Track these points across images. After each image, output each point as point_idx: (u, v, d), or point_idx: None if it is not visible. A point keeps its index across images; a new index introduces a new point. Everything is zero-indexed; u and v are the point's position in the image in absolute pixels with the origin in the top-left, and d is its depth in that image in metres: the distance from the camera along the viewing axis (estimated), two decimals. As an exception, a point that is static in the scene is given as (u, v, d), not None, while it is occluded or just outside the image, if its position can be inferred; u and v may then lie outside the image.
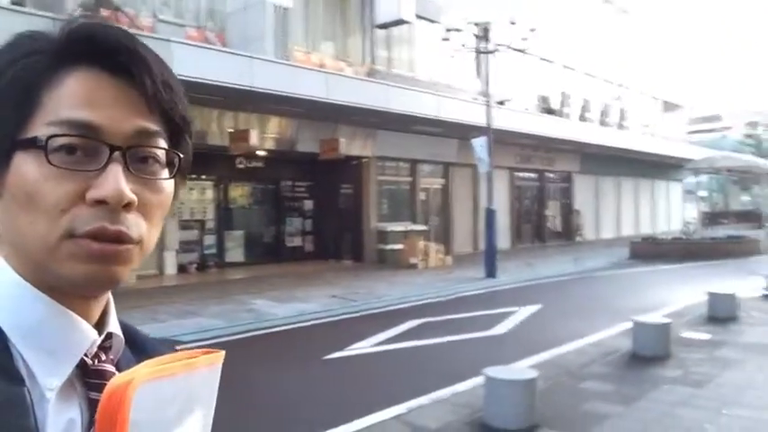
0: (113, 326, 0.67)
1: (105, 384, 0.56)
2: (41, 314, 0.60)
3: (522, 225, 24.01)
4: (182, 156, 0.66)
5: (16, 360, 0.58)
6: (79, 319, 0.62)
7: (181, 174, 0.67)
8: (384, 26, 17.53)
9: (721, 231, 22.68)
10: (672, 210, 35.35)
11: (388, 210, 18.60)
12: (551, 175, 25.64)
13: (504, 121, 17.39)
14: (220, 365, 0.63)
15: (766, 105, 41.78)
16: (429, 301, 11.42)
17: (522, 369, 5.50)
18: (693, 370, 6.36)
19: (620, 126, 28.59)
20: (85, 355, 0.62)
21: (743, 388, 5.78)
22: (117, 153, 0.59)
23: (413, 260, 16.57)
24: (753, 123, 45.45)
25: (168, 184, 0.65)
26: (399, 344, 7.88)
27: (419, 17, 18.05)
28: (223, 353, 0.63)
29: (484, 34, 15.09)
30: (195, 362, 0.60)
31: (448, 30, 15.25)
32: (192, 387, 0.60)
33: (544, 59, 23.52)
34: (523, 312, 9.98)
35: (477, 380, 5.52)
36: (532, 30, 18.65)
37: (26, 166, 0.59)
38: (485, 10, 16.55)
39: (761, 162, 27.99)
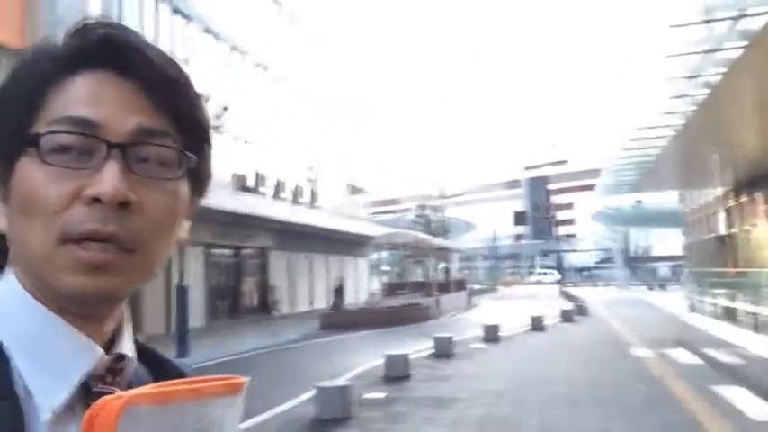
0: (126, 347, 0.63)
1: None
2: (42, 329, 0.58)
3: (217, 301, 23.64)
4: (192, 156, 0.62)
5: (15, 378, 0.55)
6: (82, 335, 0.59)
7: (197, 181, 0.65)
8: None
9: (400, 300, 25.17)
10: (360, 282, 38.47)
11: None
12: (247, 251, 25.96)
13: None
14: (242, 395, 0.56)
15: (431, 190, 48.52)
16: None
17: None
18: (371, 427, 6.83)
19: (312, 205, 30.36)
20: (91, 376, 0.58)
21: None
22: (115, 150, 0.57)
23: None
24: (422, 206, 51.99)
25: (178, 187, 0.61)
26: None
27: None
28: (244, 380, 0.56)
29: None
30: (205, 387, 0.53)
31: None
32: (206, 416, 0.53)
33: (238, 139, 24.09)
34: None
35: None
36: (225, 108, 19.06)
37: (26, 168, 0.57)
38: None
39: (429, 238, 32.06)
